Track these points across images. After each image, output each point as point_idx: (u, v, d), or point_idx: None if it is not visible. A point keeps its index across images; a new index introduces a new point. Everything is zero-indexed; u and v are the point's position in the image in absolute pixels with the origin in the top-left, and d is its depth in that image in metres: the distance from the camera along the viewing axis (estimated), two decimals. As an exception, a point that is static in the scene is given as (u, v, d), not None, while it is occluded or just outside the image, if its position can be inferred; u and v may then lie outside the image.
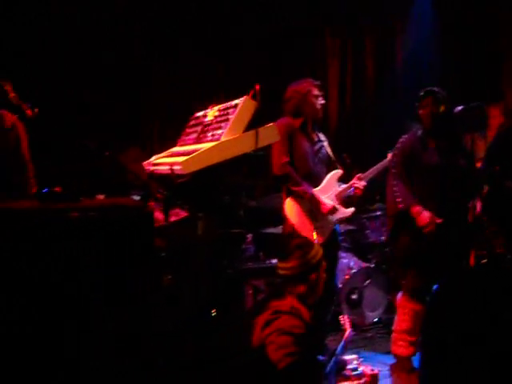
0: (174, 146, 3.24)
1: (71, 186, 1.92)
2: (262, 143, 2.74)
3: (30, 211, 1.67)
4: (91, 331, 1.66)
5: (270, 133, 2.80)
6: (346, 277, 4.53)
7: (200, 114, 3.21)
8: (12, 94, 2.21)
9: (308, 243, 2.78)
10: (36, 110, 2.18)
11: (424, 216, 3.56)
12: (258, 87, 2.77)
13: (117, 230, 1.66)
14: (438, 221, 3.56)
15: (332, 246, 3.78)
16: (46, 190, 1.79)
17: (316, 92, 3.86)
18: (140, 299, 1.70)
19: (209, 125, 2.94)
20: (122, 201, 1.83)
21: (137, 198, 2.72)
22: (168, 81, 5.59)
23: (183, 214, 2.64)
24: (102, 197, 2.14)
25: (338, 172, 3.95)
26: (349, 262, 4.65)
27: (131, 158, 4.15)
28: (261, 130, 2.72)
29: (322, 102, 3.90)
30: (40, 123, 2.20)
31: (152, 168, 2.99)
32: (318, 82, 3.92)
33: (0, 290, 1.55)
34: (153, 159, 3.11)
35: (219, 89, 5.63)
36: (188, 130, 3.23)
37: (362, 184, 3.89)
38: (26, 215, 1.65)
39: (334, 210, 3.77)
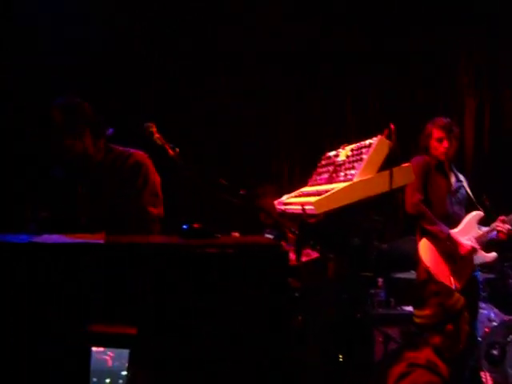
0: (305, 185, 3.24)
1: (208, 223, 1.97)
2: (397, 184, 2.65)
3: (171, 246, 1.74)
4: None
5: (405, 173, 2.70)
6: (486, 330, 4.18)
7: (332, 153, 3.19)
8: (157, 135, 2.34)
9: (447, 290, 2.60)
10: (177, 150, 2.28)
11: None
12: (392, 126, 2.70)
13: (253, 267, 1.66)
14: None
15: (472, 294, 3.53)
16: (185, 226, 1.85)
17: (438, 134, 3.74)
18: (273, 337, 1.67)
19: (341, 165, 2.91)
20: (259, 239, 1.84)
21: (270, 236, 2.74)
22: (297, 119, 5.64)
23: (314, 254, 2.60)
24: (237, 234, 2.17)
25: (479, 213, 3.73)
26: (489, 314, 4.29)
27: (263, 196, 4.22)
28: (396, 170, 2.63)
29: (445, 145, 3.72)
30: (179, 162, 2.29)
31: (283, 207, 3.01)
32: (443, 123, 3.76)
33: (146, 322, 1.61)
34: (284, 198, 3.13)
35: (351, 128, 5.59)
36: (319, 170, 3.22)
37: (506, 227, 3.64)
38: (167, 250, 1.71)
39: (473, 252, 3.55)
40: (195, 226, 1.85)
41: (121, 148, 2.73)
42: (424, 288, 2.63)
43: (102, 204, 2.59)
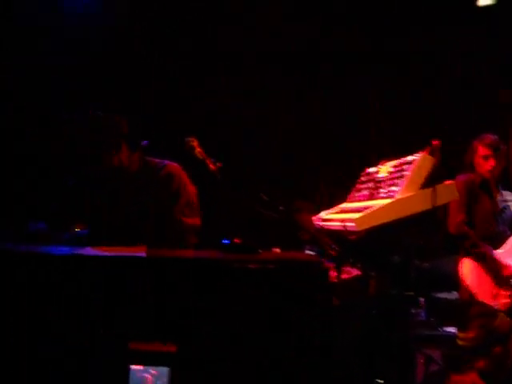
0: (342, 201, 3.20)
1: (249, 238, 1.95)
2: (440, 202, 2.60)
3: (213, 261, 1.73)
4: None
5: (448, 191, 2.64)
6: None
7: (372, 169, 3.15)
8: (198, 149, 2.35)
9: (491, 311, 2.52)
10: (219, 164, 2.28)
11: None
12: (436, 143, 2.65)
13: (295, 284, 1.64)
14: None
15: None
16: (226, 241, 1.84)
17: (483, 152, 3.64)
18: (315, 355, 1.65)
19: (382, 181, 2.86)
20: (300, 255, 1.82)
21: (311, 253, 2.71)
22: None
23: (354, 272, 2.56)
24: (277, 250, 2.16)
25: (526, 234, 3.61)
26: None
27: (300, 211, 4.20)
28: (439, 187, 2.57)
29: (491, 163, 3.62)
30: (220, 176, 2.29)
31: (322, 223, 2.97)
32: (490, 141, 3.66)
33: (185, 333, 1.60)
34: (322, 214, 3.10)
35: (391, 142, 5.49)
36: (359, 186, 3.18)
37: (553, 249, 3.51)
38: (209, 264, 1.71)
39: None
40: (236, 241, 1.85)
41: (156, 160, 2.75)
42: (467, 310, 2.55)
43: (138, 216, 2.61)
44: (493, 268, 3.45)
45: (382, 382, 2.73)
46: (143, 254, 1.71)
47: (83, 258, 1.70)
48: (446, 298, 4.24)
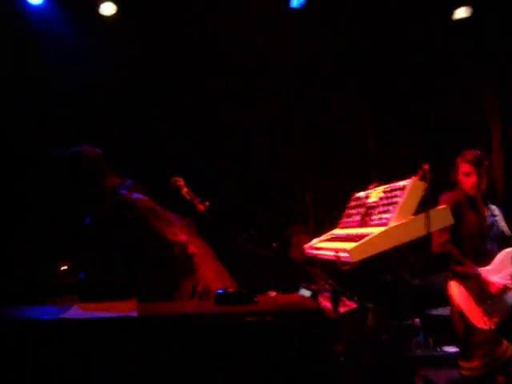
0: (333, 226, 3.14)
1: (243, 280, 1.89)
2: (434, 227, 2.55)
3: (206, 316, 1.65)
4: None
5: (442, 215, 2.61)
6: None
7: (361, 194, 3.10)
8: (185, 189, 2.27)
9: (494, 339, 2.46)
10: (207, 203, 2.21)
11: None
12: (426, 167, 2.60)
13: (294, 335, 1.57)
14: None
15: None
16: (220, 291, 1.76)
17: (465, 169, 3.61)
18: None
19: (373, 207, 2.81)
20: (298, 302, 1.74)
21: (307, 292, 2.64)
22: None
23: (351, 304, 2.49)
24: (273, 293, 2.08)
25: (513, 249, 3.56)
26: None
27: (293, 236, 4.14)
28: (432, 212, 2.53)
29: (473, 180, 3.59)
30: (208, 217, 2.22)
31: (314, 252, 2.91)
32: (470, 158, 3.63)
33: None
34: (314, 242, 3.03)
35: (374, 165, 5.46)
36: (349, 212, 3.12)
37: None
38: (202, 320, 1.62)
39: (505, 290, 3.37)
40: (230, 290, 1.77)
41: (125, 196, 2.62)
42: (470, 338, 2.49)
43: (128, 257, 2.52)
44: (477, 286, 3.39)
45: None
46: (134, 313, 1.62)
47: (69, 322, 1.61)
48: (442, 316, 4.16)
